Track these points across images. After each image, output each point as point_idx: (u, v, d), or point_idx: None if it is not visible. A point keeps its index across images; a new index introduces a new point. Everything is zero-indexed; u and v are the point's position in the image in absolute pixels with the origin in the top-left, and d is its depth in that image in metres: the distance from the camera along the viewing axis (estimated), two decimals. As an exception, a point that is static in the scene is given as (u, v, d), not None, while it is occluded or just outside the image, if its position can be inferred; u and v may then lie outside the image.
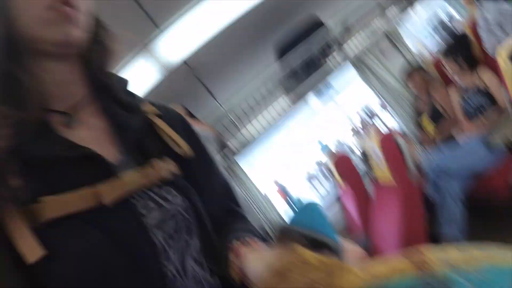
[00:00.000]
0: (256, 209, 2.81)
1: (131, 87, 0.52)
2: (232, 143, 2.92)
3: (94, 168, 0.39)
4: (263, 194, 2.98)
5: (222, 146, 2.78)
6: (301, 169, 4.94)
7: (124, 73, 1.79)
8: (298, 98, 2.86)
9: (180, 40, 2.27)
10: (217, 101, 2.90)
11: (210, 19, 2.27)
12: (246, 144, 2.95)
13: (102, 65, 0.49)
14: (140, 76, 2.31)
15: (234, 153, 2.91)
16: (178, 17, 2.15)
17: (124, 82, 0.52)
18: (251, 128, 2.96)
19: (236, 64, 2.89)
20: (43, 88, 0.41)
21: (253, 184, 2.90)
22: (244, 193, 2.82)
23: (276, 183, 4.53)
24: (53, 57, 0.43)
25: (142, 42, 2.15)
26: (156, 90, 2.48)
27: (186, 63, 2.49)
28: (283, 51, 2.70)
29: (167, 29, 2.17)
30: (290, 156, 4.88)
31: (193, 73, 2.56)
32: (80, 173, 0.38)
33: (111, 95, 0.48)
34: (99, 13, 0.48)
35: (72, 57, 0.45)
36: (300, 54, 2.68)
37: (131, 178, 0.41)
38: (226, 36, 2.44)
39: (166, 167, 0.45)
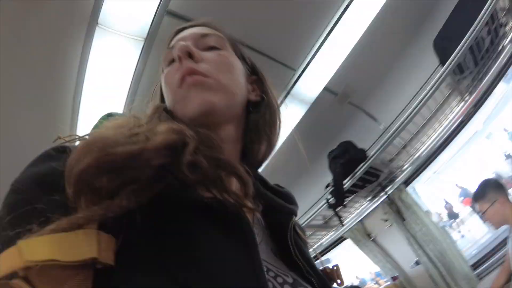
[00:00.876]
0: (435, 251, 2.32)
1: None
2: (399, 169, 2.48)
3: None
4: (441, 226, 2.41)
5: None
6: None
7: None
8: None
9: (319, 71, 2.10)
10: (373, 119, 2.53)
11: (343, 42, 1.98)
12: (417, 169, 2.44)
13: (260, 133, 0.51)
14: (289, 117, 2.30)
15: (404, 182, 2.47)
16: (310, 53, 1.98)
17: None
18: (420, 146, 2.40)
19: (386, 75, 2.40)
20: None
21: (431, 220, 2.39)
22: (421, 233, 2.36)
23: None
24: (204, 127, 0.43)
25: (284, 88, 2.13)
26: (305, 124, 2.40)
27: (330, 90, 2.28)
28: (445, 48, 1.97)
29: (303, 67, 2.05)
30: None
31: (339, 98, 2.32)
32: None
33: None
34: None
35: (224, 123, 0.47)
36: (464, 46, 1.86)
37: None
38: (365, 48, 2.06)
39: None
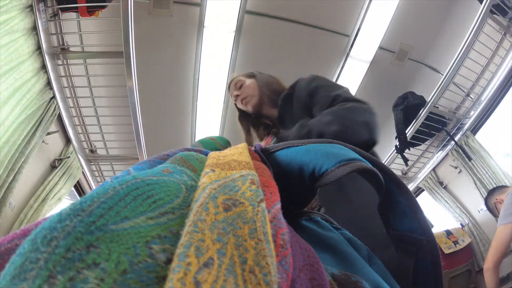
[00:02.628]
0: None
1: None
2: (465, 116, 2.74)
3: None
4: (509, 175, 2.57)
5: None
6: None
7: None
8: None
9: (371, 33, 2.57)
10: (436, 71, 2.83)
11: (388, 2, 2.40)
12: (482, 114, 2.66)
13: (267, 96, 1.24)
14: (353, 77, 2.83)
15: (470, 129, 2.73)
16: (359, 18, 2.48)
17: None
18: (481, 92, 2.61)
19: (441, 27, 2.67)
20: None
21: (496, 164, 2.59)
22: (488, 176, 2.59)
23: None
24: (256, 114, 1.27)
25: (343, 53, 2.68)
26: (370, 83, 2.88)
27: (387, 49, 2.71)
28: None
29: (355, 32, 2.55)
30: None
31: (398, 56, 2.73)
32: None
33: None
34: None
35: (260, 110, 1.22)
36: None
37: None
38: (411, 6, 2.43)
39: None
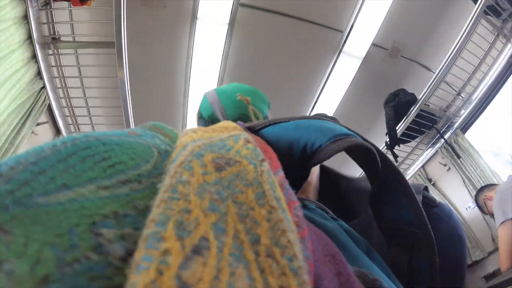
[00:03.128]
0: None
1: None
2: (455, 114, 2.78)
3: None
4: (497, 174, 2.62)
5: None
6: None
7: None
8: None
9: (364, 29, 2.58)
10: (428, 69, 2.86)
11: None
12: (473, 113, 2.71)
13: None
14: (345, 74, 2.85)
15: (460, 127, 2.78)
16: (353, 14, 2.49)
17: None
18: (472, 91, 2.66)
19: (434, 26, 2.69)
20: None
21: (485, 162, 2.64)
22: (476, 174, 2.65)
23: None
24: None
25: (337, 48, 2.70)
26: (363, 80, 2.91)
27: (380, 46, 2.73)
28: None
29: (349, 28, 2.57)
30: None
31: (391, 53, 2.75)
32: None
33: None
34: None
35: None
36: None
37: None
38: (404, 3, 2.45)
39: None
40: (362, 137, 0.35)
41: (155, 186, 0.16)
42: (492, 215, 2.14)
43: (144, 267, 0.10)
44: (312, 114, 3.00)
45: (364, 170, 0.36)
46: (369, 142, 0.34)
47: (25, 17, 1.81)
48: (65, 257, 0.12)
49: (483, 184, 2.57)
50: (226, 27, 2.46)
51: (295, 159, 0.33)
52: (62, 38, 2.09)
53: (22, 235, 0.12)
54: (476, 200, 2.27)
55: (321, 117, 0.40)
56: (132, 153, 0.18)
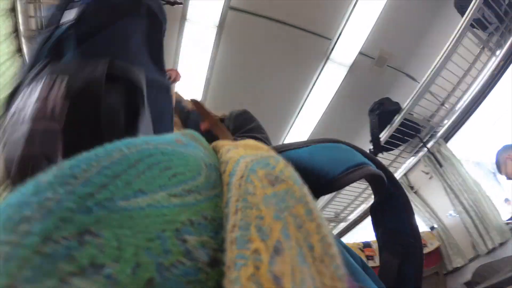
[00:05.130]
0: (470, 201, 2.61)
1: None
2: (438, 124, 2.82)
3: None
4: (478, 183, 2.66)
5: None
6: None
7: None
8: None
9: (352, 38, 2.61)
10: (413, 79, 2.90)
11: (371, 10, 2.44)
12: (456, 124, 2.75)
13: None
14: (331, 81, 2.87)
15: (443, 137, 2.81)
16: (342, 22, 2.51)
17: None
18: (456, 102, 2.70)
19: (422, 38, 2.74)
20: None
21: (467, 172, 2.68)
22: (458, 183, 2.68)
23: None
24: None
25: (324, 55, 2.71)
26: (349, 88, 2.93)
27: (366, 55, 2.76)
28: (463, 6, 2.26)
29: (337, 36, 2.59)
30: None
31: (377, 62, 2.78)
32: None
33: None
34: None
35: None
36: None
37: None
38: (393, 15, 2.48)
39: None
40: (371, 158, 0.37)
41: (212, 199, 0.17)
42: (509, 177, 2.20)
43: (242, 264, 0.12)
44: (296, 119, 3.05)
45: (370, 185, 0.39)
46: (376, 161, 0.38)
47: (13, 9, 1.77)
48: (162, 261, 0.12)
49: (464, 193, 2.62)
50: (215, 29, 2.45)
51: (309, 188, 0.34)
52: (48, 33, 2.05)
53: (112, 238, 0.12)
54: (498, 157, 2.25)
55: (333, 141, 0.41)
56: (187, 165, 0.19)
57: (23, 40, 1.87)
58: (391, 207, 0.41)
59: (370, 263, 2.59)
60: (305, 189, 0.18)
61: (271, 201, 0.16)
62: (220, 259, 0.14)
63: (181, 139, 0.23)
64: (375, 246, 2.73)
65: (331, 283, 0.13)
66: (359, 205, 3.58)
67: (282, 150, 0.39)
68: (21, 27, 1.83)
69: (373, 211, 0.43)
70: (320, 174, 0.33)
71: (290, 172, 0.20)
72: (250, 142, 0.31)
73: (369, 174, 0.33)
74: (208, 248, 0.14)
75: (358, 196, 3.49)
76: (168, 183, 0.16)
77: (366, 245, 2.79)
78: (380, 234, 0.43)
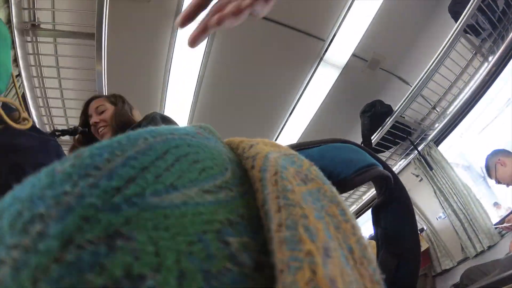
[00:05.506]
0: (459, 204, 2.64)
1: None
2: (429, 127, 2.85)
3: None
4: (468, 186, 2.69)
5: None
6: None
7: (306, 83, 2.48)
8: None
9: (346, 40, 2.63)
10: (406, 83, 2.93)
11: (365, 12, 2.47)
12: (446, 127, 2.78)
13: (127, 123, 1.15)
14: (323, 82, 2.88)
15: (433, 140, 2.84)
16: (336, 24, 2.53)
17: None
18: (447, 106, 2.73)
19: (415, 42, 2.77)
20: None
21: (456, 175, 2.71)
22: (447, 186, 2.71)
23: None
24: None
25: (317, 56, 2.73)
26: (341, 90, 2.94)
27: (360, 57, 2.78)
28: (457, 12, 2.29)
29: (331, 37, 2.60)
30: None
31: (370, 64, 2.81)
32: None
33: None
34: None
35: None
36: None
37: None
38: (387, 17, 2.50)
39: None
40: (378, 159, 0.38)
41: (242, 195, 0.16)
42: (498, 181, 2.18)
43: (297, 267, 0.10)
44: (288, 120, 3.05)
45: (375, 186, 0.40)
46: (383, 163, 0.38)
47: (6, 1, 1.76)
48: (209, 269, 0.10)
49: (454, 196, 2.65)
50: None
51: None
52: (42, 26, 2.04)
53: (148, 242, 0.10)
54: (487, 161, 2.24)
55: (343, 141, 0.43)
56: (213, 158, 0.17)
57: (15, 32, 1.86)
58: (394, 210, 0.41)
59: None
60: (334, 189, 0.18)
61: (308, 199, 0.15)
62: (264, 262, 0.12)
63: (201, 132, 0.21)
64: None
65: (371, 286, 0.12)
66: (349, 207, 3.59)
67: (296, 148, 0.38)
68: (14, 19, 1.82)
69: (375, 211, 0.43)
70: (332, 174, 0.32)
71: (317, 171, 0.20)
72: (268, 141, 0.29)
73: (380, 175, 0.34)
74: (250, 250, 0.12)
75: (348, 197, 3.51)
76: (199, 177, 0.14)
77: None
78: (380, 233, 0.43)
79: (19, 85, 1.98)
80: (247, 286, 0.11)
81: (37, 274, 0.08)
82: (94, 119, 1.18)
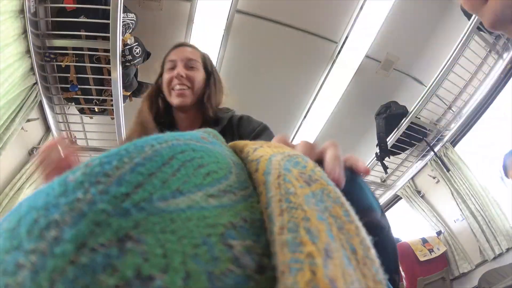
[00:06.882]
0: (477, 206, 2.60)
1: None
2: (445, 128, 2.82)
3: None
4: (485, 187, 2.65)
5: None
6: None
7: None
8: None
9: (359, 41, 2.62)
10: (420, 83, 2.91)
11: (377, 14, 2.46)
12: (463, 127, 2.74)
13: (212, 107, 0.88)
14: (336, 84, 2.88)
15: (450, 140, 2.81)
16: (348, 26, 2.53)
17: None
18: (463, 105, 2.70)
19: (428, 42, 2.74)
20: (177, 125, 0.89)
21: (474, 176, 2.67)
22: (465, 187, 2.67)
23: None
24: (177, 109, 0.90)
25: (330, 59, 2.73)
26: (356, 91, 2.93)
27: (373, 58, 2.77)
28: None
29: (343, 39, 2.60)
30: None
31: (383, 65, 2.79)
32: None
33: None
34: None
35: (189, 110, 0.88)
36: None
37: None
38: (399, 18, 2.49)
39: None
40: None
41: (246, 199, 0.16)
42: None
43: (297, 269, 0.11)
44: (303, 122, 3.05)
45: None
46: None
47: (22, 11, 1.81)
48: (213, 270, 0.11)
49: (471, 197, 2.61)
50: (222, 32, 2.48)
51: None
52: (57, 35, 2.08)
53: (156, 244, 0.11)
54: (505, 161, 2.22)
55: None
56: (217, 162, 0.18)
57: (31, 41, 1.91)
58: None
59: (433, 254, 2.85)
60: (338, 190, 0.18)
61: (311, 201, 0.15)
62: (266, 264, 0.13)
63: (206, 136, 0.22)
64: (431, 239, 2.93)
65: (373, 286, 0.13)
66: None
67: None
68: (29, 28, 1.86)
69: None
70: None
71: (321, 172, 0.20)
72: (271, 142, 0.29)
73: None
74: (253, 253, 0.13)
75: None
76: (204, 182, 0.15)
77: (424, 241, 2.93)
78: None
79: (36, 93, 2.03)
80: (250, 287, 0.12)
81: (54, 276, 0.09)
82: (180, 70, 0.90)
